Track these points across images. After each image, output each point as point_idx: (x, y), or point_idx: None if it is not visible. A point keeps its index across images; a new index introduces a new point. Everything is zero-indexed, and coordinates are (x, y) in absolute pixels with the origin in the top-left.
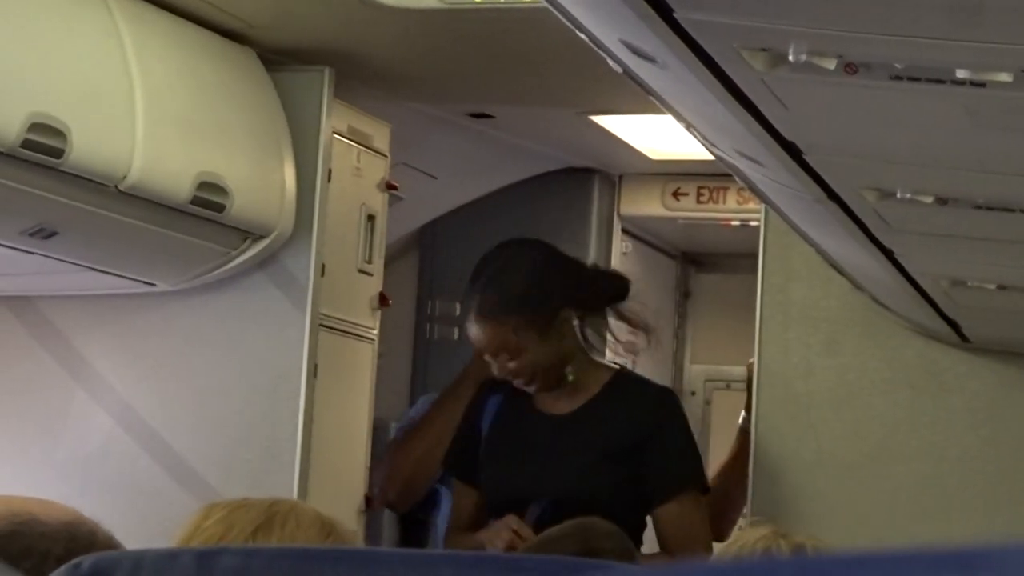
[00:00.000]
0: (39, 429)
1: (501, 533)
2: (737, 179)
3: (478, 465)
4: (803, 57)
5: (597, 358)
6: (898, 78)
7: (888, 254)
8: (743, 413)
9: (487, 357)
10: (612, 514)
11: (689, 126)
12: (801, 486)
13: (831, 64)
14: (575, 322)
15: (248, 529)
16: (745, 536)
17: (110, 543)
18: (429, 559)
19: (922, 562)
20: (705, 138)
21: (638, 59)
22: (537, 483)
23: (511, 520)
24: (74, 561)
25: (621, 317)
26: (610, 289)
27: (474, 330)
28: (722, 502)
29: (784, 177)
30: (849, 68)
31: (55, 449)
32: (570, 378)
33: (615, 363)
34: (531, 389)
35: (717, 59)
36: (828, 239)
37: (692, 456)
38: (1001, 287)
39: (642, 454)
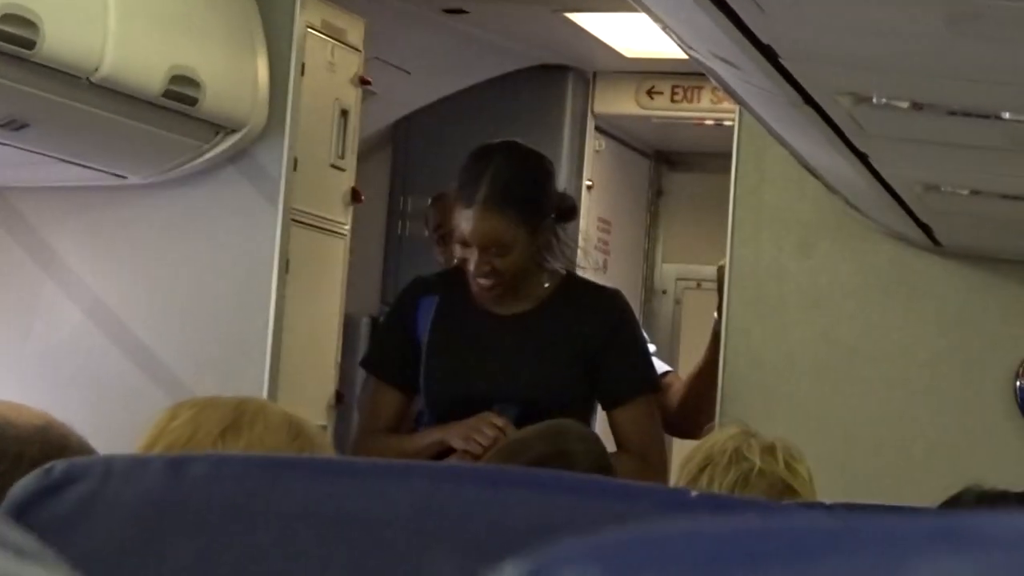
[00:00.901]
0: (9, 322)
1: (483, 430)
2: (712, 80)
3: (412, 365)
4: None
5: (548, 265)
6: None
7: (863, 158)
8: (715, 315)
9: (471, 249)
10: (572, 413)
11: (665, 27)
12: (771, 387)
13: None
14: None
15: (215, 431)
16: (715, 436)
17: (83, 447)
18: (400, 469)
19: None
20: (681, 39)
21: None
22: (497, 383)
23: (492, 417)
24: (46, 466)
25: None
26: (565, 207)
27: (472, 219)
28: (696, 403)
29: (760, 80)
30: None
31: (25, 342)
32: (545, 285)
33: (561, 268)
34: (493, 293)
35: None
36: (803, 142)
37: (645, 359)
38: (974, 192)
39: (597, 356)
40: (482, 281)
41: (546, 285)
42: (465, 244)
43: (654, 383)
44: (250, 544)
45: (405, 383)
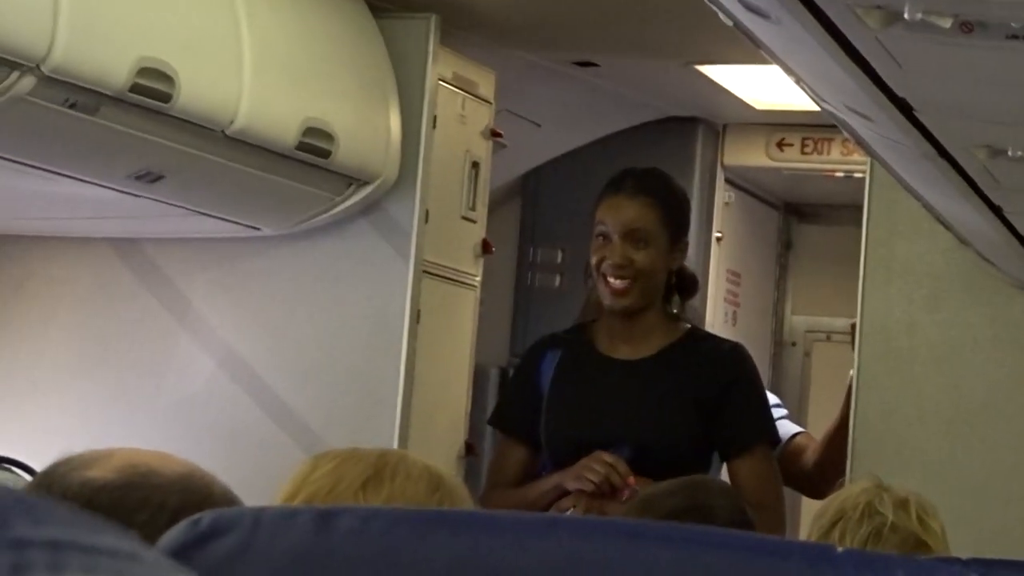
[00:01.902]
0: (144, 372)
1: (594, 466)
2: (844, 132)
3: (536, 418)
4: (919, 15)
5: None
6: (1014, 37)
7: (997, 211)
8: (851, 372)
9: (610, 243)
10: (688, 462)
11: (799, 80)
12: (902, 442)
13: (947, 23)
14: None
15: (357, 482)
16: (848, 490)
17: (227, 496)
18: (554, 523)
19: None
20: (815, 92)
21: (750, 13)
22: (612, 426)
23: (603, 455)
24: (193, 517)
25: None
26: (694, 280)
27: (616, 205)
28: (833, 459)
29: (893, 133)
30: (965, 27)
31: (159, 393)
32: (674, 309)
33: (686, 322)
34: (625, 301)
35: (831, 16)
36: (935, 195)
37: (765, 410)
38: None
39: (717, 407)
40: (615, 282)
41: (677, 333)
42: (604, 236)
43: (773, 435)
44: None
45: (530, 438)
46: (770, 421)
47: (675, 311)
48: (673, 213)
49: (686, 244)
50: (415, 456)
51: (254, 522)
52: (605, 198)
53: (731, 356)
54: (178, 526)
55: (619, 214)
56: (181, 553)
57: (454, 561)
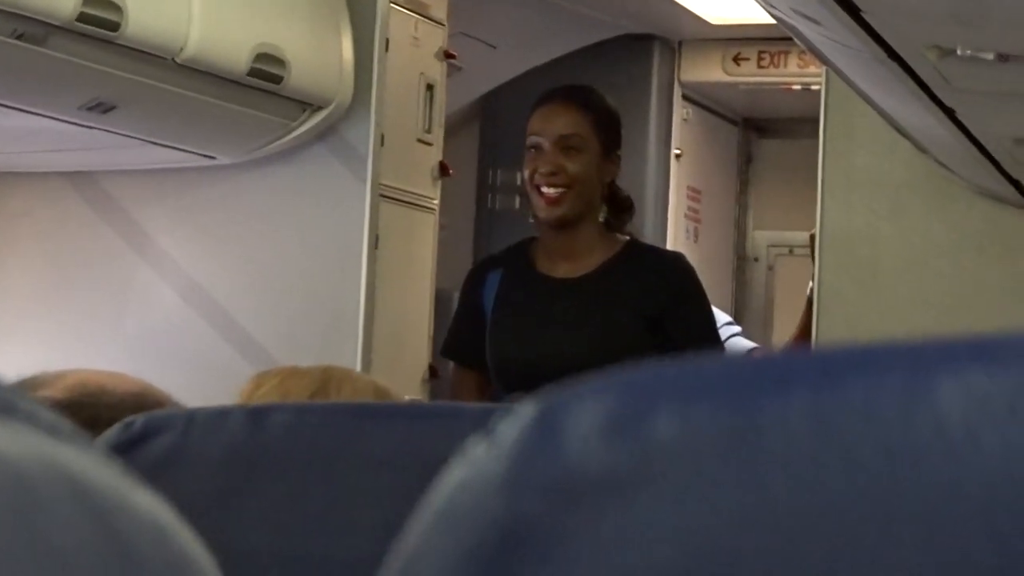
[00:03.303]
0: (105, 304)
1: None
2: (796, 40)
3: (483, 341)
4: None
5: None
6: None
7: (950, 114)
8: (811, 283)
9: (541, 151)
10: None
11: None
12: None
13: None
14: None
15: (303, 396)
16: None
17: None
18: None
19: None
20: None
21: None
22: (558, 346)
23: None
24: (126, 420)
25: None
26: (630, 204)
27: (547, 113)
28: None
29: (843, 36)
30: None
31: (120, 323)
32: (600, 218)
33: (625, 236)
34: (557, 211)
35: None
36: (890, 100)
37: (711, 323)
38: None
39: (662, 318)
40: (548, 190)
41: (616, 247)
42: (536, 147)
43: (718, 343)
44: (333, 491)
45: (482, 363)
46: (714, 329)
47: (606, 222)
48: (605, 122)
49: (619, 158)
50: (360, 373)
51: (187, 422)
52: (536, 110)
53: (673, 266)
54: (111, 429)
55: (551, 122)
56: (114, 455)
57: (389, 452)
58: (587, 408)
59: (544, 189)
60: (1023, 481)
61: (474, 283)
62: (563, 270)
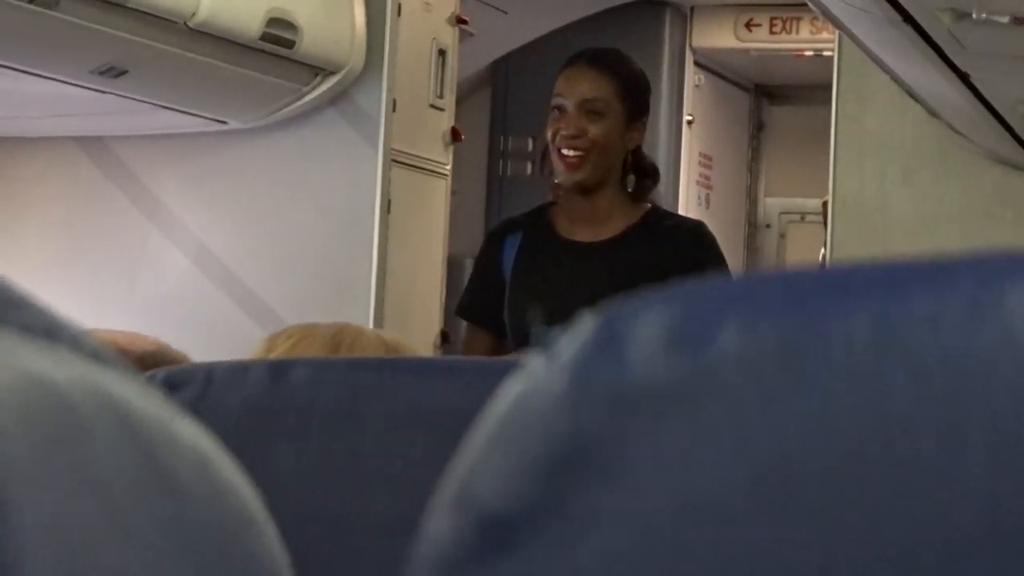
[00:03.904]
0: (117, 269)
1: None
2: (811, 5)
3: (500, 304)
4: None
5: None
6: None
7: (964, 78)
8: (823, 250)
9: (565, 114)
10: None
11: None
12: None
13: None
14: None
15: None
16: None
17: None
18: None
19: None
20: None
21: None
22: (580, 308)
23: None
24: (147, 373)
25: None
26: (656, 171)
27: (571, 75)
28: None
29: (858, 0)
30: None
31: (133, 288)
32: (629, 188)
33: (647, 203)
34: (577, 176)
35: None
36: (903, 65)
37: None
38: None
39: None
40: (569, 152)
41: (639, 213)
42: (559, 109)
43: None
44: (354, 445)
45: (496, 326)
46: None
47: (631, 191)
48: (630, 88)
49: (644, 125)
50: (370, 330)
51: (207, 377)
52: (561, 73)
53: (695, 234)
54: None
55: (575, 85)
56: None
57: (410, 406)
58: (649, 321)
59: (564, 151)
60: None
61: (493, 245)
62: (584, 234)
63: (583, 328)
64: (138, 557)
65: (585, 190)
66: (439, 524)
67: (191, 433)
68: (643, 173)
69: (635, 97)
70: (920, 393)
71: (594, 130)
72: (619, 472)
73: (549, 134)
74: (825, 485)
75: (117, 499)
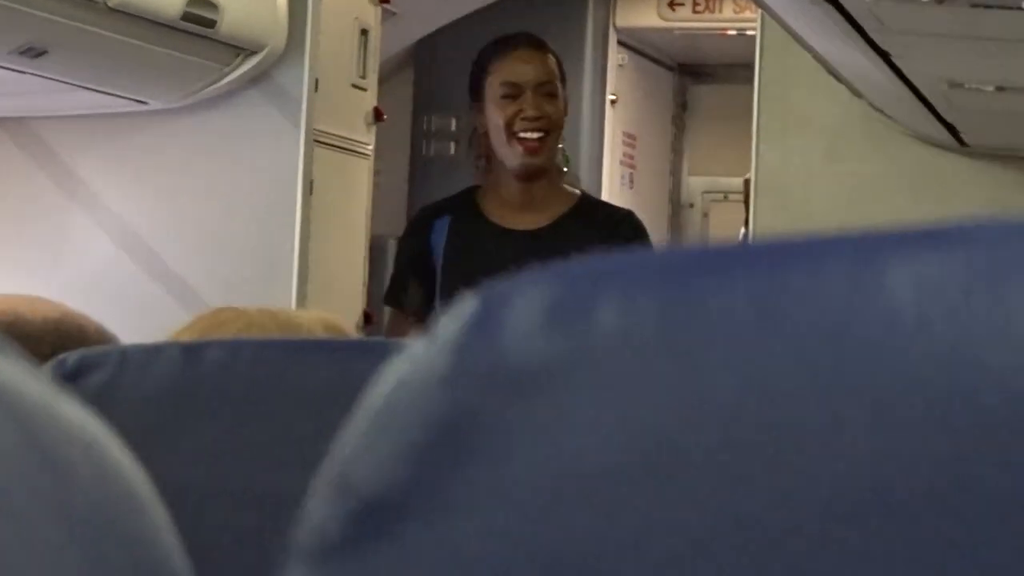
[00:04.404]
0: (39, 250)
1: None
2: None
3: (431, 291)
4: None
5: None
6: None
7: (885, 56)
8: (742, 229)
9: (520, 98)
10: None
11: None
12: None
13: None
14: None
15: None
16: None
17: (102, 336)
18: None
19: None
20: None
21: None
22: None
23: None
24: (60, 357)
25: None
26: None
27: (526, 58)
28: None
29: None
30: None
31: (56, 269)
32: (564, 168)
33: (577, 188)
34: (538, 158)
35: None
36: (825, 43)
37: None
38: (999, 88)
39: None
40: (530, 135)
41: (570, 200)
42: (510, 94)
43: None
44: (268, 426)
45: (425, 311)
46: None
47: (563, 169)
48: (562, 71)
49: (567, 106)
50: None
51: (120, 359)
52: (504, 57)
53: (626, 223)
54: (44, 367)
55: (529, 68)
56: None
57: (324, 387)
58: (527, 299)
59: (524, 135)
60: (977, 368)
61: (418, 230)
62: (518, 221)
63: (463, 308)
64: (22, 538)
65: (537, 175)
66: (316, 509)
67: (77, 415)
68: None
69: (564, 79)
70: (800, 367)
71: (551, 111)
72: (496, 453)
73: (502, 120)
74: (705, 461)
75: (1, 480)
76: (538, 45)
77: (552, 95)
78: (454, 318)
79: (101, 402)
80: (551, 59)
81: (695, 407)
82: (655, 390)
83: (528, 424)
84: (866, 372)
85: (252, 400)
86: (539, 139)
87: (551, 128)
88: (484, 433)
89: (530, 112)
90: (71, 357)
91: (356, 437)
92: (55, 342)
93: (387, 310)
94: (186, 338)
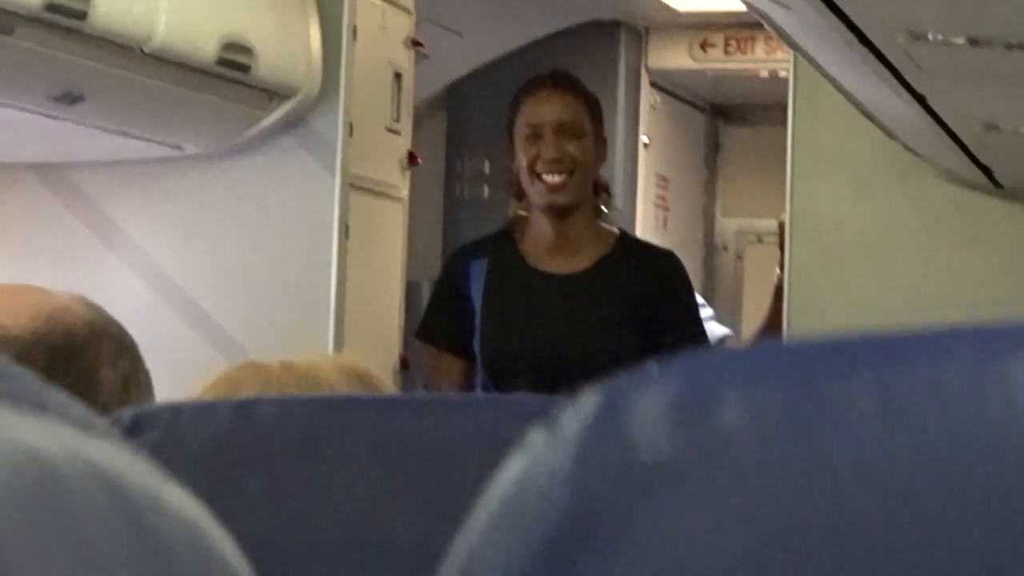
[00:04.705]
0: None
1: None
2: (766, 26)
3: (466, 330)
4: None
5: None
6: None
7: (920, 99)
8: (777, 271)
9: (542, 139)
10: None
11: None
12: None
13: None
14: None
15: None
16: None
17: (92, 329)
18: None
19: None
20: None
21: None
22: (549, 342)
23: None
24: (113, 415)
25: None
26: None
27: (543, 99)
28: None
29: (813, 20)
30: None
31: None
32: (604, 210)
33: (615, 227)
34: (563, 198)
35: None
36: (859, 85)
37: (698, 323)
38: None
39: (650, 317)
40: (552, 178)
41: (610, 240)
42: (533, 135)
43: (703, 343)
44: (321, 482)
45: (462, 350)
46: (701, 332)
47: (604, 209)
48: (594, 108)
49: (606, 143)
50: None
51: (173, 416)
52: (528, 99)
53: (666, 265)
54: None
55: (549, 108)
56: None
57: (378, 443)
58: (651, 395)
59: (546, 177)
60: None
61: (456, 270)
62: (556, 264)
63: (585, 402)
64: None
65: (565, 213)
66: None
67: (179, 499)
68: (597, 191)
69: (598, 117)
70: (924, 464)
71: (575, 151)
72: (623, 548)
73: (526, 161)
74: (830, 556)
75: (106, 567)
76: (565, 84)
77: (576, 135)
78: (575, 412)
79: (155, 459)
80: (577, 99)
81: (821, 503)
82: (781, 486)
83: (654, 520)
84: (988, 466)
85: (305, 457)
86: (562, 180)
87: (574, 168)
88: (610, 529)
89: (550, 154)
90: (125, 415)
91: (479, 532)
92: (46, 359)
93: (419, 344)
94: (209, 397)
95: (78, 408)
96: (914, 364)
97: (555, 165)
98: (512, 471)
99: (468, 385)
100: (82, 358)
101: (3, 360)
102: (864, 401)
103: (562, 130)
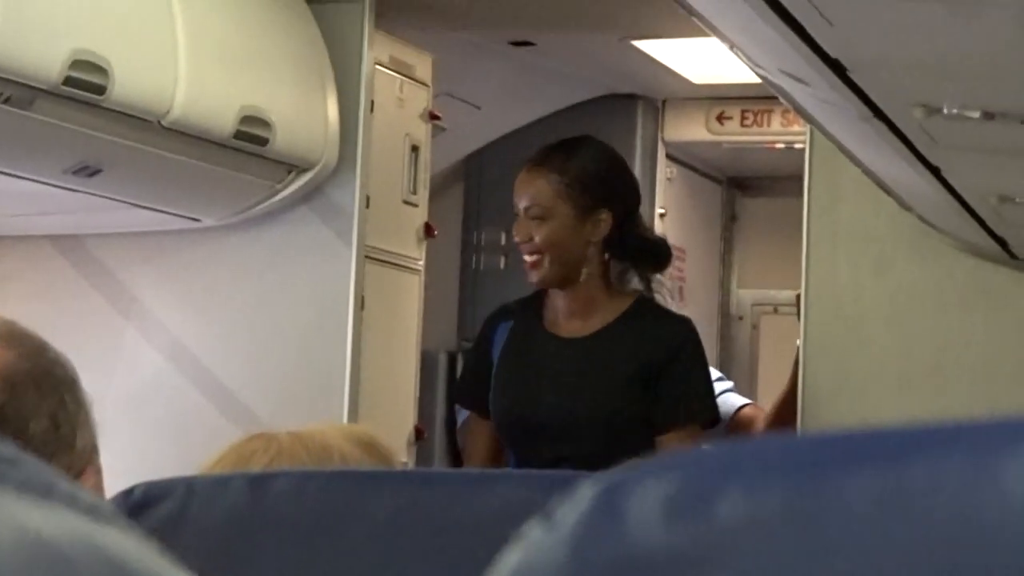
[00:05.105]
0: (91, 368)
1: None
2: (782, 100)
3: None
4: None
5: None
6: None
7: (935, 172)
8: (797, 343)
9: (519, 214)
10: (632, 437)
11: (732, 46)
12: (853, 409)
13: None
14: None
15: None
16: None
17: (11, 386)
18: (491, 477)
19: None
20: (748, 57)
21: None
22: (551, 407)
23: None
24: (126, 489)
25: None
26: (657, 251)
27: (521, 180)
28: (782, 431)
29: (829, 96)
30: None
31: (108, 387)
32: (582, 278)
33: (636, 290)
34: (536, 276)
35: None
36: (874, 158)
37: (706, 389)
38: None
39: (657, 380)
40: (526, 258)
41: (624, 305)
42: (516, 213)
43: (710, 415)
44: (336, 556)
45: (489, 411)
46: (710, 401)
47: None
48: (577, 184)
49: (609, 214)
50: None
51: (187, 490)
52: (517, 176)
53: (675, 329)
54: (112, 498)
55: (519, 191)
56: None
57: (392, 517)
58: (648, 489)
59: (524, 256)
60: None
61: (486, 333)
62: (568, 328)
63: (582, 495)
64: None
65: (556, 287)
66: None
67: None
68: (656, 255)
69: (587, 191)
70: (921, 561)
71: (538, 234)
72: None
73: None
74: None
75: None
76: (541, 164)
77: (539, 218)
78: (572, 506)
79: (168, 533)
80: (547, 179)
81: None
82: None
83: None
84: (985, 561)
85: (319, 531)
86: (534, 260)
87: (539, 250)
88: None
89: (517, 236)
90: (138, 488)
91: None
92: (14, 416)
93: (459, 410)
94: (219, 468)
95: (85, 494)
96: (911, 458)
97: (524, 246)
98: (509, 563)
99: (497, 446)
100: (6, 426)
101: (10, 446)
102: (861, 498)
103: (528, 212)
